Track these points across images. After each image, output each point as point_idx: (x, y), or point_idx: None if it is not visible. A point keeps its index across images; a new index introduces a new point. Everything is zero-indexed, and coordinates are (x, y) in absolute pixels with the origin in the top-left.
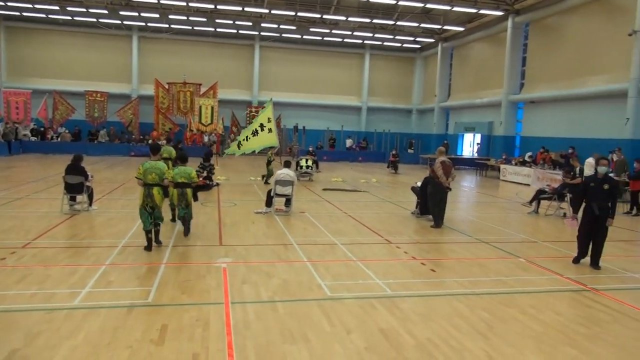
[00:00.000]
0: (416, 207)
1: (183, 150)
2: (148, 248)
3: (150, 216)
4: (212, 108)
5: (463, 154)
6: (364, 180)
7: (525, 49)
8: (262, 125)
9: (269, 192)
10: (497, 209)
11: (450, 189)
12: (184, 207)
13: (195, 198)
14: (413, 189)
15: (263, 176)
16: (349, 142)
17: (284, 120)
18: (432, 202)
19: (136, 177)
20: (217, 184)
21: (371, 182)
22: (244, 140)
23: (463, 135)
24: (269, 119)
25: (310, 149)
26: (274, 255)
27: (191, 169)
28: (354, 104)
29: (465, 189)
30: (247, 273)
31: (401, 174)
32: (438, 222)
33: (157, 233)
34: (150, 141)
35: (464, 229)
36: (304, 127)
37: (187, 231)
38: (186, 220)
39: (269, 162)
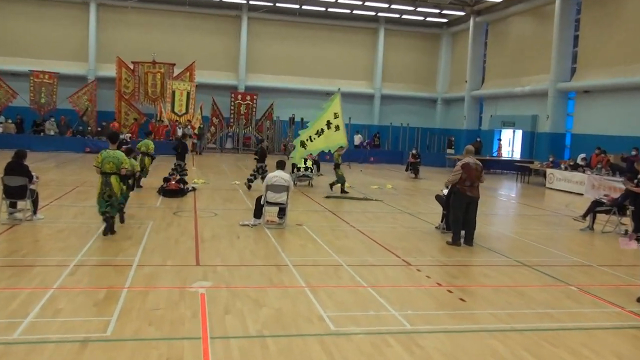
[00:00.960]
0: (442, 221)
1: (186, 146)
2: (107, 231)
3: (109, 205)
4: (188, 94)
5: (499, 155)
6: (377, 186)
7: (577, 26)
8: (328, 123)
9: (258, 199)
10: (542, 224)
11: (476, 197)
12: (107, 198)
13: (131, 187)
14: (438, 197)
15: (249, 180)
16: (357, 139)
17: (277, 111)
18: (453, 214)
19: (94, 166)
20: (194, 189)
21: (385, 188)
22: (307, 140)
23: (500, 131)
24: (335, 114)
25: None
26: (264, 279)
27: (122, 153)
28: (364, 91)
29: (502, 199)
30: (231, 300)
31: (423, 178)
32: (456, 238)
33: (111, 224)
34: (124, 136)
35: (500, 249)
36: (301, 119)
37: (108, 230)
38: (110, 217)
39: (337, 166)
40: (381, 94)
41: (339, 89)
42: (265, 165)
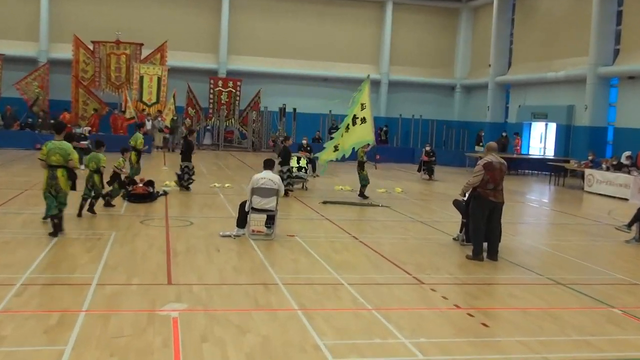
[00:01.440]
0: (461, 231)
1: (191, 145)
2: (53, 234)
3: (55, 200)
4: (159, 80)
5: (530, 153)
6: (383, 190)
7: (620, 0)
8: (354, 118)
9: (242, 205)
10: (580, 234)
11: (499, 202)
12: (54, 193)
13: (73, 187)
14: (456, 203)
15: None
16: None
17: (265, 100)
18: (473, 223)
19: (39, 159)
20: (165, 193)
21: (394, 192)
22: (340, 138)
23: (530, 124)
24: (363, 105)
25: (304, 142)
26: (248, 300)
27: (69, 144)
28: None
29: (531, 204)
30: (209, 326)
31: (438, 180)
32: (477, 251)
33: (59, 220)
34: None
35: (529, 264)
36: (294, 109)
37: (56, 230)
38: (57, 217)
39: (361, 165)
40: (389, 80)
41: (368, 75)
42: (292, 167)
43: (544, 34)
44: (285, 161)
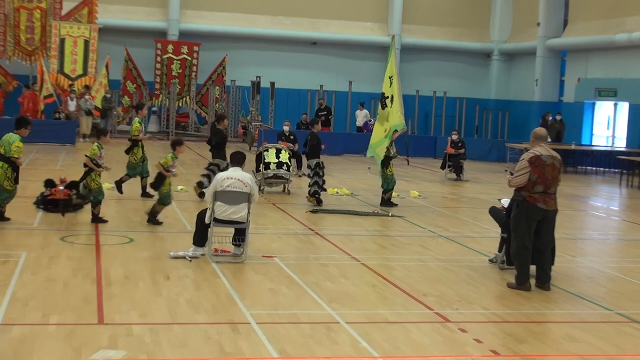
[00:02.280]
0: (500, 250)
1: (223, 135)
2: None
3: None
4: (87, 44)
5: (593, 143)
6: (395, 194)
7: None
8: (383, 98)
9: (201, 215)
10: None
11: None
12: None
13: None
14: (494, 212)
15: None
16: (361, 116)
17: (232, 72)
18: (516, 239)
19: None
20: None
21: (410, 196)
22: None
23: (593, 104)
24: (390, 79)
25: (286, 128)
26: (209, 346)
27: (16, 136)
28: (374, 39)
29: (595, 213)
30: None
31: (469, 181)
32: (522, 278)
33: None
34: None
35: (593, 295)
36: (272, 83)
37: None
38: None
39: (386, 161)
40: (401, 44)
41: (393, 37)
42: (322, 162)
43: None
44: (313, 152)
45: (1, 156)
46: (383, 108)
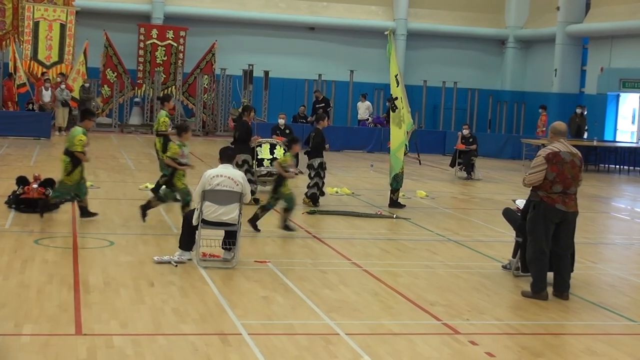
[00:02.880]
0: (514, 256)
1: (248, 127)
2: None
3: None
4: (63, 28)
5: (617, 139)
6: (401, 194)
7: None
8: (392, 99)
9: (188, 217)
10: None
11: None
12: None
13: None
14: (507, 214)
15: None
16: (363, 109)
17: (222, 59)
18: (532, 244)
19: None
20: (71, 198)
21: (416, 196)
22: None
23: (618, 97)
24: (396, 77)
25: (281, 121)
26: (198, 359)
27: (79, 129)
28: (379, 24)
29: (621, 215)
30: None
31: (481, 180)
32: (539, 286)
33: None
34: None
35: (616, 304)
36: (265, 72)
37: None
38: None
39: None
40: (407, 29)
41: (390, 30)
42: (325, 163)
43: None
44: (316, 150)
45: (65, 150)
46: (394, 111)
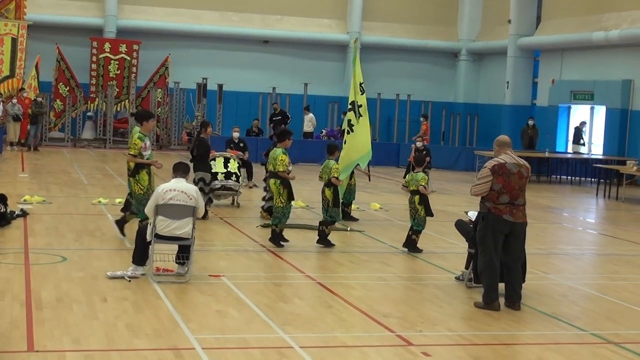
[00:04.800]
0: (467, 267)
1: (207, 145)
2: None
3: None
4: (14, 42)
5: (568, 150)
6: (355, 207)
7: None
8: (353, 105)
9: (141, 231)
10: None
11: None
12: None
13: None
14: (460, 225)
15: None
16: (306, 121)
17: (176, 73)
18: (483, 255)
19: None
20: (23, 213)
21: (370, 209)
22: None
23: (569, 108)
24: (361, 86)
25: (235, 134)
26: None
27: (280, 150)
28: (332, 37)
29: (571, 226)
30: None
31: (435, 191)
32: (490, 297)
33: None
34: None
35: (567, 314)
36: (219, 86)
37: None
38: None
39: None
40: (361, 42)
41: (356, 39)
42: (217, 173)
43: None
44: (202, 163)
45: (272, 173)
46: (357, 118)
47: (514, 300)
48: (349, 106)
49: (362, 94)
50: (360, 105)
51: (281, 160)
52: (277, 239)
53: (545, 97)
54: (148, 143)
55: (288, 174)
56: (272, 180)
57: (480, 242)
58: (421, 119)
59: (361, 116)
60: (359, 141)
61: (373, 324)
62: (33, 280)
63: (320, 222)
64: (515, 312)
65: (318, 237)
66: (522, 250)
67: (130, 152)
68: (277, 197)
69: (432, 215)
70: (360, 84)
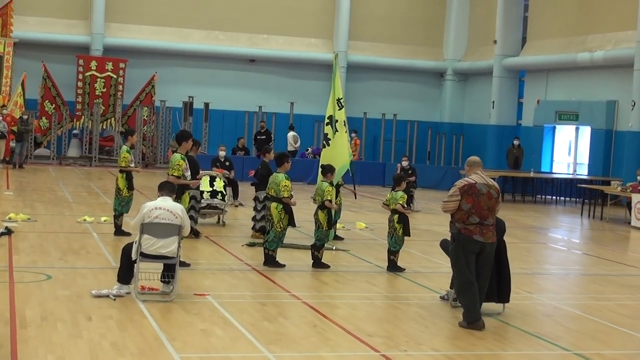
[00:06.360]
0: (452, 287)
1: (195, 162)
2: None
3: None
4: (1, 60)
5: (553, 170)
6: (340, 226)
7: None
8: (330, 119)
9: (126, 250)
10: (625, 289)
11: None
12: None
13: None
14: (444, 245)
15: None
16: (290, 139)
17: (162, 91)
18: (458, 275)
19: None
20: (8, 232)
21: (356, 228)
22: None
23: (554, 129)
24: (340, 101)
25: (221, 153)
26: None
27: (281, 175)
28: (318, 56)
29: (556, 246)
30: None
31: (421, 211)
32: (472, 316)
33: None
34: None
35: (551, 333)
36: (205, 104)
37: None
38: None
39: (336, 191)
40: (347, 62)
41: (336, 55)
42: (202, 192)
43: None
44: (261, 183)
45: (272, 197)
46: (334, 133)
47: (474, 320)
48: (327, 120)
49: (339, 109)
50: (337, 121)
51: (284, 186)
52: (274, 262)
53: (531, 117)
54: (186, 165)
55: (290, 199)
56: (273, 205)
57: (454, 263)
58: (352, 134)
59: (337, 131)
60: (334, 155)
61: (358, 344)
62: (17, 299)
63: (312, 247)
64: (499, 332)
65: (313, 262)
66: (488, 270)
67: (174, 174)
68: (278, 221)
69: (409, 235)
70: (339, 100)
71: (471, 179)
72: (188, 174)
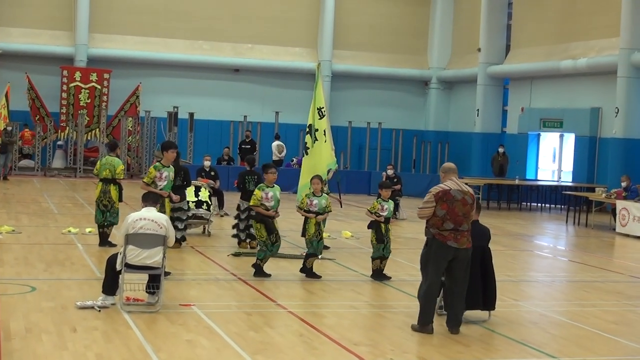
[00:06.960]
0: (438, 294)
1: (187, 172)
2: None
3: None
4: None
5: (538, 177)
6: (326, 235)
7: None
8: (310, 129)
9: (111, 261)
10: (611, 296)
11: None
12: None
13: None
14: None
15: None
16: (274, 148)
17: (147, 101)
18: (424, 279)
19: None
20: None
21: (341, 237)
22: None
23: (538, 136)
24: (321, 110)
25: (207, 163)
26: None
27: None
28: (302, 65)
29: (541, 253)
30: None
31: (406, 219)
32: (425, 318)
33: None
34: None
35: (537, 341)
36: (190, 114)
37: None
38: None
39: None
40: (332, 70)
41: (319, 64)
42: (187, 202)
43: (556, 6)
44: (244, 193)
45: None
46: (313, 142)
47: (453, 325)
48: (307, 129)
49: (320, 119)
50: (317, 130)
51: (254, 195)
52: (260, 271)
53: (515, 124)
54: (165, 174)
55: (267, 209)
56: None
57: (423, 267)
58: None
59: (317, 140)
60: (312, 164)
61: (344, 352)
62: (1, 311)
63: (305, 256)
64: (486, 340)
65: (305, 274)
66: (467, 276)
67: (143, 180)
68: (256, 232)
69: (382, 242)
70: (320, 109)
71: (446, 185)
72: (162, 183)
